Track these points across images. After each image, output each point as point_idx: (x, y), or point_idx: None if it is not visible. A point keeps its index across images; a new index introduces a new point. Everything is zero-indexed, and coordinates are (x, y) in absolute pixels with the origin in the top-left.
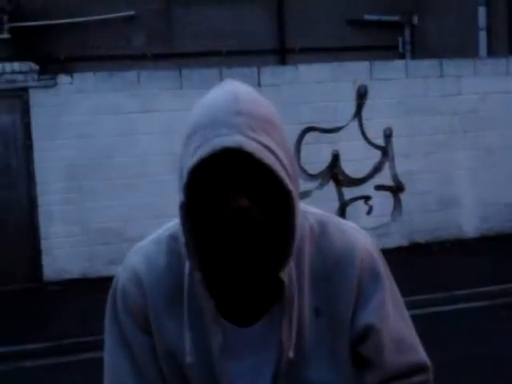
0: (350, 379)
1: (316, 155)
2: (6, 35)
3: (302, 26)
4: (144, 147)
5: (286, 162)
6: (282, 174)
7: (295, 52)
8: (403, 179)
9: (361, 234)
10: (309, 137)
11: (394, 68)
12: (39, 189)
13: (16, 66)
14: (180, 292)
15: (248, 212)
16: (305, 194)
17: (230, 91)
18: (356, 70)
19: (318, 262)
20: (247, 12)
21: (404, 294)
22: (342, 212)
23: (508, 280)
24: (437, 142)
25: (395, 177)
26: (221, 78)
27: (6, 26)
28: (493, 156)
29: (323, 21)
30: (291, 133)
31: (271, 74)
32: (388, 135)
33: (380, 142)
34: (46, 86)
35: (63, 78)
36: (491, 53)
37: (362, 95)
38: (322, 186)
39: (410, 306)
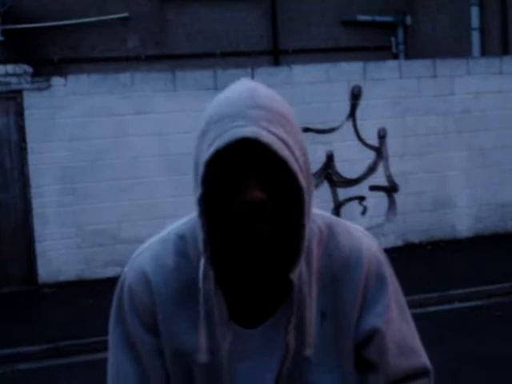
0: (353, 382)
1: (310, 156)
2: None
3: (295, 27)
4: (138, 149)
5: (300, 158)
6: (295, 167)
7: (289, 53)
8: (397, 179)
9: (367, 237)
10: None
11: (388, 68)
12: (33, 191)
13: (10, 68)
14: (189, 292)
15: (261, 204)
16: None
17: (247, 87)
18: (350, 71)
19: (326, 264)
20: (241, 13)
21: None
22: (336, 212)
23: (502, 279)
24: (431, 142)
25: (389, 177)
26: (215, 80)
27: (0, 29)
28: (487, 156)
29: (316, 22)
30: None
31: (265, 75)
32: (382, 135)
33: (374, 142)
34: (39, 88)
35: (57, 80)
36: (484, 52)
37: (355, 96)
38: (316, 186)
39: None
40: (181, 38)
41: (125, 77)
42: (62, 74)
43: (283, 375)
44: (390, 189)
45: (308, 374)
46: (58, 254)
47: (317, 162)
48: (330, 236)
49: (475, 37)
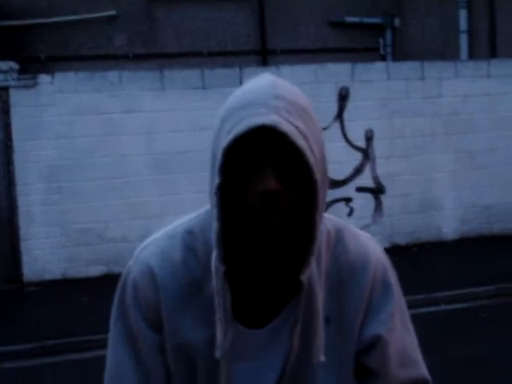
0: None
1: None
2: None
3: (283, 27)
4: (125, 148)
5: (316, 153)
6: (311, 160)
7: (277, 53)
8: (384, 181)
9: (374, 243)
10: None
11: (376, 70)
12: (19, 189)
13: None
14: (195, 288)
15: (277, 195)
16: None
17: (269, 79)
18: (338, 72)
19: (333, 268)
20: (229, 13)
21: None
22: None
23: (488, 282)
24: (418, 144)
25: (376, 179)
26: (203, 79)
27: None
28: (474, 158)
29: (305, 22)
30: None
31: (253, 75)
32: (369, 137)
33: (361, 143)
34: (26, 86)
35: (44, 78)
36: (472, 55)
37: (343, 97)
38: None
39: None
40: (169, 36)
41: (113, 75)
42: (49, 71)
43: (286, 376)
44: (377, 190)
45: (310, 379)
46: (43, 253)
47: None
48: (338, 240)
49: (463, 39)
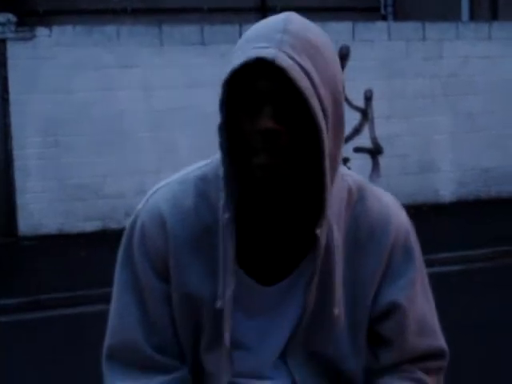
0: (364, 355)
1: None
2: None
3: None
4: (122, 103)
5: (325, 98)
6: (314, 103)
7: (276, 11)
8: (382, 142)
9: (398, 207)
10: None
11: (377, 29)
12: (15, 143)
13: None
14: (207, 236)
15: (276, 134)
16: None
17: (285, 14)
18: (338, 31)
19: (351, 228)
20: None
21: None
22: None
23: (484, 245)
24: (417, 105)
25: (374, 139)
26: (202, 36)
27: None
28: (473, 121)
29: None
30: None
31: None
32: (368, 97)
33: (360, 103)
34: (23, 39)
35: (42, 31)
36: (473, 17)
37: (343, 56)
38: None
39: None
40: None
41: (110, 30)
42: (48, 25)
43: (299, 332)
44: (375, 151)
45: (322, 342)
46: (39, 207)
47: None
48: (359, 199)
49: (464, 1)
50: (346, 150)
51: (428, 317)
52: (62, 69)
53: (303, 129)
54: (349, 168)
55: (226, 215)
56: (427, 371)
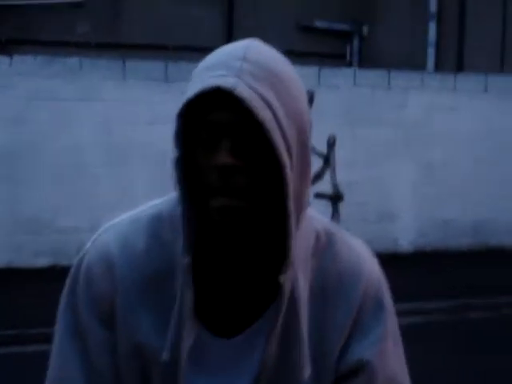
0: None
1: None
2: None
3: (251, 27)
4: (80, 137)
5: (288, 129)
6: (276, 136)
7: None
8: (343, 189)
9: (369, 255)
10: None
11: (343, 75)
12: None
13: None
14: (159, 282)
15: (233, 171)
16: None
17: (245, 41)
18: (304, 75)
19: (320, 277)
20: (197, 9)
21: None
22: None
23: (441, 297)
24: (379, 153)
25: (335, 186)
26: (166, 72)
27: None
28: (434, 171)
29: (272, 24)
30: None
31: None
32: (331, 143)
33: (323, 149)
34: None
35: (2, 59)
36: (438, 68)
37: (308, 100)
38: None
39: None
40: (133, 28)
41: (73, 61)
42: (8, 54)
43: None
44: (335, 198)
45: None
46: None
47: None
48: (327, 245)
49: (430, 52)
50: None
51: (399, 376)
52: (20, 99)
53: (265, 165)
54: None
55: (186, 260)
56: None
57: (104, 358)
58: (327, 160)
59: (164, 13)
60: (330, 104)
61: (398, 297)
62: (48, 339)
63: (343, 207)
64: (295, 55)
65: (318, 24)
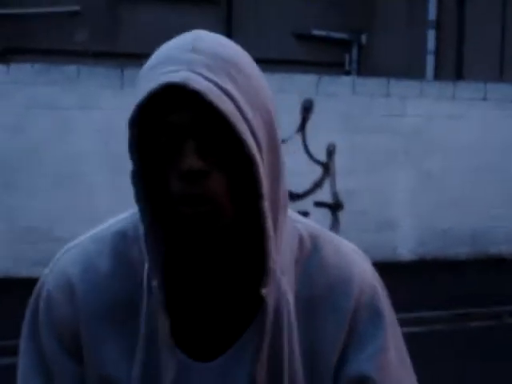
0: None
1: None
2: None
3: (250, 36)
4: (78, 145)
5: (253, 119)
6: (242, 128)
7: None
8: (343, 197)
9: (360, 257)
10: None
11: (341, 83)
12: None
13: None
14: (126, 307)
15: (202, 175)
16: None
17: (191, 32)
18: (303, 84)
19: (306, 285)
20: (195, 17)
21: None
22: None
23: (440, 306)
24: (379, 161)
25: (335, 194)
26: None
27: None
28: (433, 180)
29: (271, 33)
30: None
31: None
32: (331, 152)
33: (322, 157)
34: None
35: None
36: (437, 77)
37: (307, 109)
38: None
39: None
40: (131, 36)
41: (71, 69)
42: (6, 62)
43: None
44: (335, 206)
45: None
46: None
47: None
48: (312, 250)
49: (430, 60)
50: (306, 204)
51: None
52: (17, 107)
53: (234, 164)
54: None
55: (154, 282)
56: None
57: None
58: (326, 168)
59: (162, 21)
60: (328, 112)
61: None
62: None
63: (343, 216)
64: (293, 63)
65: (316, 33)
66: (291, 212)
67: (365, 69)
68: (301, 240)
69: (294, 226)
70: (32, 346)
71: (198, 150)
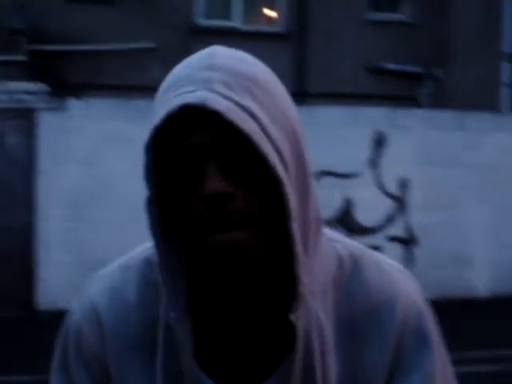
0: None
1: (328, 201)
2: (22, 57)
3: (322, 70)
4: None
5: (277, 137)
6: (266, 148)
7: (313, 95)
8: (417, 232)
9: (406, 277)
10: (321, 181)
11: (414, 117)
12: (39, 214)
13: (25, 85)
14: (153, 337)
15: (228, 198)
16: None
17: (209, 49)
18: (374, 117)
19: (345, 311)
20: (268, 52)
21: None
22: None
23: None
24: (454, 195)
25: (409, 229)
26: None
27: (23, 48)
28: (510, 214)
29: (343, 65)
30: None
31: None
32: (404, 185)
33: (395, 191)
34: (54, 109)
35: (74, 102)
36: None
37: (379, 142)
38: None
39: None
40: None
41: (144, 104)
42: (80, 96)
43: None
44: (409, 241)
45: None
46: (58, 281)
47: (334, 207)
48: (353, 272)
49: (504, 92)
50: (378, 238)
51: None
52: (91, 141)
53: (259, 186)
54: None
55: (173, 314)
56: None
57: None
58: (400, 202)
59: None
60: (402, 146)
61: (474, 344)
62: None
63: (417, 251)
64: (365, 97)
65: (388, 66)
66: (328, 231)
67: (439, 102)
68: (340, 260)
69: (331, 246)
70: (63, 378)
71: (221, 171)
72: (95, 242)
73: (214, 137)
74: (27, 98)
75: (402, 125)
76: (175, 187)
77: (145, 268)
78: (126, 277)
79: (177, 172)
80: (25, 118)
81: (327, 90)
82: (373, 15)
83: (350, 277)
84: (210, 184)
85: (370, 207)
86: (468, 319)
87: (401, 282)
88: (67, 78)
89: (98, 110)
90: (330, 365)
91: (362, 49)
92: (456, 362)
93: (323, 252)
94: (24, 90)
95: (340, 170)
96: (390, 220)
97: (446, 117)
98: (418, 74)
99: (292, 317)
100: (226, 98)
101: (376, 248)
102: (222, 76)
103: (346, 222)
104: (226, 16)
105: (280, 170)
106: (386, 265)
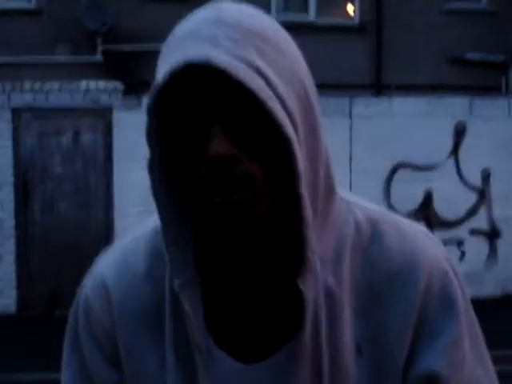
0: None
1: (407, 194)
2: (98, 57)
3: (400, 61)
4: None
5: (286, 95)
6: (274, 106)
7: (391, 88)
8: (500, 225)
9: (430, 239)
10: (400, 174)
11: (496, 105)
12: (116, 212)
13: (101, 84)
14: (161, 310)
15: (233, 161)
16: None
17: (217, 3)
18: (454, 106)
19: (364, 276)
20: (345, 45)
21: (488, 347)
22: None
23: None
24: None
25: (492, 221)
26: None
27: (99, 48)
28: None
29: (423, 56)
30: (382, 168)
31: (364, 105)
32: (486, 176)
33: (477, 183)
34: (130, 107)
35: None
36: None
37: (459, 132)
38: None
39: (493, 362)
40: None
41: None
42: (139, 95)
43: None
44: (492, 234)
45: None
46: None
47: (414, 200)
48: (372, 236)
49: None
50: (461, 231)
51: None
52: None
53: (268, 147)
54: (463, 253)
55: (178, 281)
56: None
57: None
58: (482, 194)
59: (310, 50)
60: (484, 136)
61: None
62: None
63: (500, 244)
64: (446, 88)
65: (470, 56)
66: (347, 193)
67: None
68: (357, 225)
69: (349, 210)
70: (74, 357)
71: (226, 133)
72: None
73: (220, 97)
74: (103, 97)
75: (483, 114)
76: (181, 149)
77: (153, 238)
78: (136, 247)
79: (182, 133)
80: (101, 116)
81: (407, 81)
82: (451, 4)
83: (369, 240)
84: (213, 146)
85: (451, 199)
86: None
87: (424, 244)
88: (142, 76)
89: None
90: (344, 334)
91: (440, 39)
92: None
93: (338, 217)
94: (100, 89)
95: (419, 161)
96: (472, 212)
97: None
98: (500, 63)
99: (300, 282)
100: (232, 54)
101: (459, 243)
102: (228, 31)
103: (426, 215)
104: (302, 9)
105: (288, 128)
106: (408, 227)
